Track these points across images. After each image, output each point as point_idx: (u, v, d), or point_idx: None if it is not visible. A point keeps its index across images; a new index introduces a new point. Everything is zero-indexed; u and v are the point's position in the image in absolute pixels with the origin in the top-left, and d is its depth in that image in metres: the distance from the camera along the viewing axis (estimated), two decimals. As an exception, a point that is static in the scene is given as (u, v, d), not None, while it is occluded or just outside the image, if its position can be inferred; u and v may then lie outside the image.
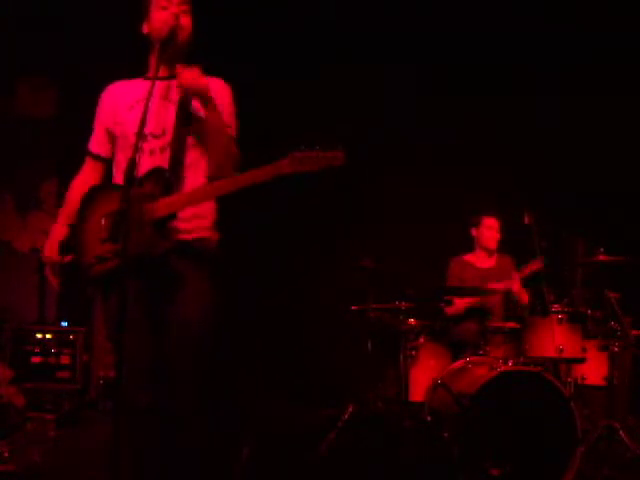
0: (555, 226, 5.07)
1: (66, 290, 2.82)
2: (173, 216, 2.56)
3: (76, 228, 2.70)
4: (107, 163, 2.85)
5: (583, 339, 4.28)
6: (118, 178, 2.75)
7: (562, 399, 3.94)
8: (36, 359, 5.07)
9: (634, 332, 4.55)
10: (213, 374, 2.68)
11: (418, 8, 5.81)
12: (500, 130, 5.89)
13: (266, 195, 2.96)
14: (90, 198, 2.72)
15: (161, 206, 2.53)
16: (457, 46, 5.90)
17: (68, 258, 2.72)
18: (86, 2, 5.46)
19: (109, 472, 2.27)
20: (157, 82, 2.59)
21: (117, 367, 2.28)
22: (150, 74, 2.77)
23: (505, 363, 4.10)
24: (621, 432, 4.10)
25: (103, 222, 2.58)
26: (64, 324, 5.33)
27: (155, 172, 2.59)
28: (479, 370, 4.26)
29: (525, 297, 4.90)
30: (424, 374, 4.58)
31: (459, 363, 4.45)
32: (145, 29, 2.77)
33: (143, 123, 2.46)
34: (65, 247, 2.73)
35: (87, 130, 2.88)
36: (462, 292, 4.95)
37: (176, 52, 2.70)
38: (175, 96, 2.71)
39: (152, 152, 2.65)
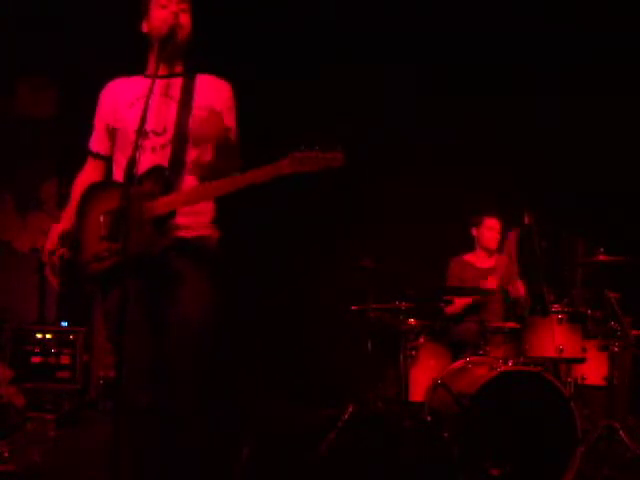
0: (555, 226, 5.08)
1: (66, 290, 2.82)
2: (172, 214, 2.56)
3: (75, 225, 2.70)
4: (108, 161, 2.84)
5: (583, 339, 4.27)
6: (118, 176, 2.74)
7: (562, 399, 3.94)
8: (36, 359, 5.07)
9: (634, 332, 4.54)
10: (213, 374, 2.68)
11: (418, 8, 5.81)
12: (500, 130, 5.89)
13: (266, 195, 2.96)
14: (89, 196, 2.71)
15: (160, 204, 2.53)
16: (457, 46, 5.90)
17: (67, 250, 2.70)
18: (86, 2, 5.47)
19: (109, 472, 2.27)
20: (157, 80, 2.60)
21: (117, 367, 2.28)
22: (150, 72, 2.77)
23: (505, 363, 4.10)
24: (621, 432, 4.10)
25: (102, 220, 2.58)
26: (64, 324, 5.33)
27: (155, 170, 2.59)
28: (479, 370, 4.25)
29: (522, 290, 4.90)
30: (424, 374, 4.58)
31: (459, 363, 4.45)
32: (144, 28, 2.77)
33: (143, 120, 2.46)
34: (65, 239, 2.72)
35: (87, 130, 2.88)
36: (462, 292, 4.95)
37: (176, 50, 2.71)
38: (176, 93, 2.71)
39: (153, 149, 2.65)
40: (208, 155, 2.72)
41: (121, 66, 2.87)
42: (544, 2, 5.71)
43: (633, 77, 5.61)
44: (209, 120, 2.69)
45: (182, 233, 2.63)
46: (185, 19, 2.72)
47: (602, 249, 4.46)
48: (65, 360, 5.10)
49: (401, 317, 4.69)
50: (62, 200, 2.90)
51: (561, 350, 4.14)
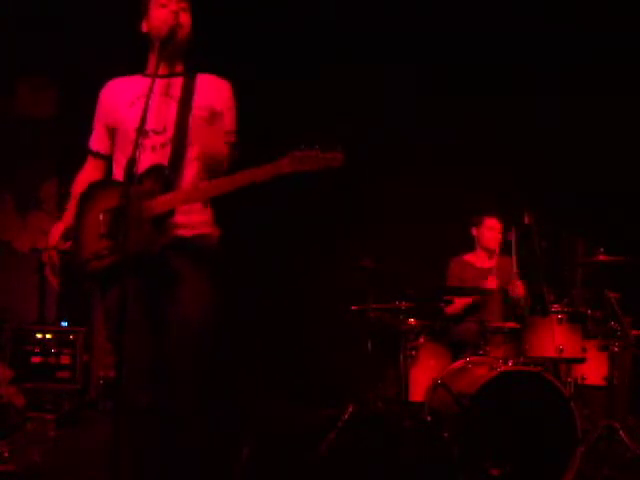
0: (555, 226, 5.07)
1: (66, 290, 2.82)
2: (172, 213, 2.56)
3: (74, 223, 2.70)
4: (108, 160, 2.84)
5: (583, 339, 4.27)
6: (118, 174, 2.74)
7: (562, 399, 3.94)
8: (36, 359, 5.07)
9: (634, 332, 4.54)
10: (213, 374, 2.68)
11: (418, 8, 5.81)
12: (500, 130, 5.89)
13: (266, 195, 2.96)
14: (89, 194, 2.72)
15: (160, 203, 2.53)
16: (457, 46, 5.90)
17: (68, 244, 2.70)
18: (86, 2, 5.47)
19: (109, 472, 2.27)
20: (157, 79, 2.60)
21: (117, 367, 2.28)
22: (150, 71, 2.77)
23: (505, 363, 4.10)
24: (621, 432, 4.09)
25: (101, 218, 2.58)
26: (64, 324, 5.33)
27: (155, 169, 2.59)
28: (479, 370, 4.25)
29: (521, 289, 4.90)
30: (424, 374, 4.57)
31: (459, 363, 4.45)
32: (144, 27, 2.77)
33: (144, 119, 2.46)
34: (67, 237, 2.72)
35: (87, 130, 2.88)
36: (462, 292, 4.95)
37: (176, 50, 2.72)
38: (176, 93, 2.71)
39: (153, 148, 2.65)
40: (207, 154, 2.72)
41: (121, 66, 2.88)
42: (544, 2, 5.71)
43: (633, 77, 5.61)
44: (209, 120, 2.70)
45: (181, 232, 2.64)
46: (185, 18, 2.73)
47: (602, 249, 4.45)
48: (65, 360, 5.10)
49: (401, 317, 4.69)
50: (62, 200, 2.89)
51: (561, 350, 4.14)
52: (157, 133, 2.66)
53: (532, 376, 4.01)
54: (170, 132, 2.66)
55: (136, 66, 2.82)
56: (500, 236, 5.17)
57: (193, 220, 2.67)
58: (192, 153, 2.69)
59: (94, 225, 2.60)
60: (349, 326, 5.26)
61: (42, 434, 4.18)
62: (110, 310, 2.64)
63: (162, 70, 2.68)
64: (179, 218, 2.60)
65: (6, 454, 3.86)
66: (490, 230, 5.17)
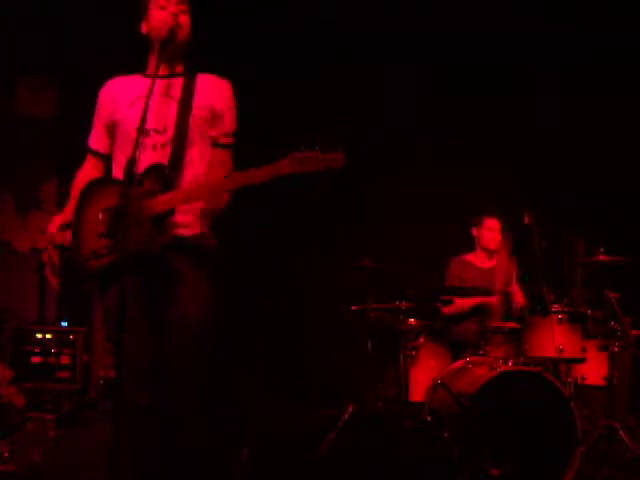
0: (555, 226, 5.07)
1: (66, 290, 2.82)
2: (172, 212, 2.55)
3: (74, 221, 2.70)
4: (107, 159, 2.84)
5: (583, 339, 4.27)
6: (117, 173, 2.74)
7: (562, 399, 3.93)
8: (36, 359, 5.07)
9: (634, 332, 4.54)
10: (213, 374, 2.68)
11: (418, 8, 5.81)
12: (500, 130, 5.89)
13: (266, 195, 2.96)
14: (88, 192, 2.71)
15: (159, 202, 2.52)
16: (457, 46, 5.90)
17: (68, 236, 2.70)
18: (86, 2, 5.47)
19: (109, 472, 2.27)
20: (157, 80, 2.60)
21: (117, 367, 2.28)
22: (150, 72, 2.76)
23: (505, 363, 4.10)
24: (621, 432, 4.10)
25: (101, 217, 2.58)
26: (64, 324, 5.33)
27: (155, 169, 2.59)
28: (479, 370, 4.25)
29: (520, 298, 4.92)
30: (424, 374, 4.57)
31: (459, 363, 4.45)
32: (144, 29, 2.77)
33: (144, 119, 2.46)
34: (65, 227, 2.72)
35: (87, 130, 2.88)
36: (462, 292, 4.95)
37: (176, 51, 2.72)
38: (176, 93, 2.71)
39: (154, 147, 2.65)
40: (208, 154, 2.73)
41: (121, 66, 2.87)
42: (544, 2, 5.71)
43: (633, 77, 5.61)
44: (209, 120, 2.70)
45: (181, 231, 2.64)
46: (185, 20, 2.73)
47: (602, 249, 4.46)
48: (65, 360, 5.10)
49: (401, 317, 4.69)
50: (62, 200, 2.89)
51: (561, 350, 4.14)
52: (158, 132, 2.66)
53: (532, 376, 4.01)
54: (170, 132, 2.66)
55: (136, 66, 2.82)
56: (500, 236, 5.17)
57: (192, 220, 2.67)
58: (192, 153, 2.69)
59: (93, 224, 2.60)
60: (349, 326, 5.26)
61: (42, 434, 4.18)
62: (109, 309, 2.64)
63: (162, 71, 2.68)
64: (178, 217, 2.60)
65: (6, 454, 3.86)
66: (490, 231, 5.17)
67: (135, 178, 2.45)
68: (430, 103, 5.92)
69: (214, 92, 2.75)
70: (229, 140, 2.78)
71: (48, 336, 5.12)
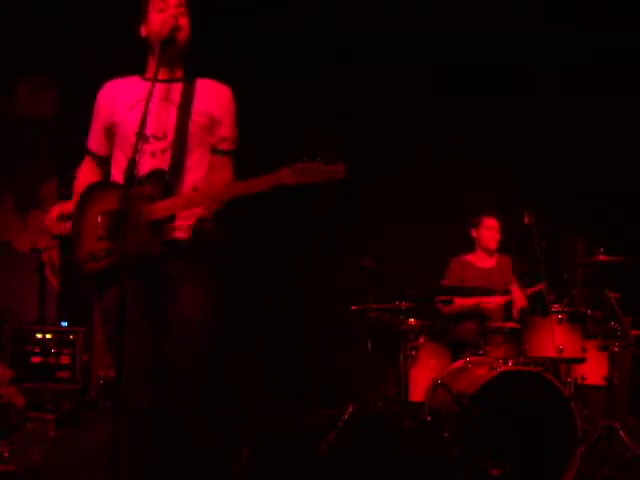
0: (555, 226, 5.07)
1: (66, 290, 2.82)
2: (172, 218, 2.56)
3: (73, 223, 2.70)
4: (105, 161, 2.84)
5: (583, 339, 4.27)
6: (117, 176, 2.74)
7: (562, 399, 3.93)
8: (36, 359, 5.07)
9: (634, 332, 4.55)
10: (213, 374, 2.68)
11: (418, 8, 5.81)
12: (500, 130, 5.89)
13: (266, 195, 2.96)
14: (88, 195, 2.71)
15: (159, 208, 2.52)
16: (457, 46, 5.90)
17: (66, 227, 2.70)
18: (86, 2, 5.47)
19: (109, 472, 2.27)
20: (157, 84, 2.59)
21: (117, 367, 2.28)
22: (149, 75, 2.76)
23: (505, 363, 4.10)
24: (621, 432, 4.10)
25: (100, 220, 2.58)
26: (64, 324, 5.33)
27: (155, 174, 2.59)
28: (479, 370, 4.25)
29: (522, 299, 4.92)
30: (424, 374, 4.58)
31: (459, 363, 4.45)
32: (143, 32, 2.76)
33: (143, 124, 2.46)
34: (65, 218, 2.72)
35: (87, 130, 2.88)
36: (462, 292, 4.95)
37: (175, 54, 2.71)
38: (176, 98, 2.71)
39: (153, 154, 2.64)
40: (207, 160, 2.72)
41: (121, 66, 2.87)
42: (544, 2, 5.71)
43: (633, 77, 5.61)
44: (208, 127, 2.70)
45: (180, 234, 2.63)
46: (184, 22, 2.72)
47: (602, 249, 4.46)
48: (65, 360, 5.10)
49: (401, 317, 4.69)
50: (62, 200, 2.89)
51: (561, 350, 4.14)
52: (157, 139, 2.65)
53: (532, 376, 4.01)
54: (170, 138, 2.65)
55: (136, 67, 2.82)
56: (499, 236, 5.18)
57: (192, 223, 2.67)
58: (192, 159, 2.68)
59: (92, 227, 2.60)
60: (349, 326, 5.26)
61: (42, 434, 4.18)
62: (107, 311, 2.64)
63: (162, 75, 2.67)
64: (178, 222, 2.60)
65: (6, 454, 3.86)
66: (489, 230, 5.17)
67: (135, 182, 2.44)
68: (430, 103, 5.92)
69: (213, 98, 2.74)
70: (229, 146, 2.77)
71: (48, 336, 5.12)
